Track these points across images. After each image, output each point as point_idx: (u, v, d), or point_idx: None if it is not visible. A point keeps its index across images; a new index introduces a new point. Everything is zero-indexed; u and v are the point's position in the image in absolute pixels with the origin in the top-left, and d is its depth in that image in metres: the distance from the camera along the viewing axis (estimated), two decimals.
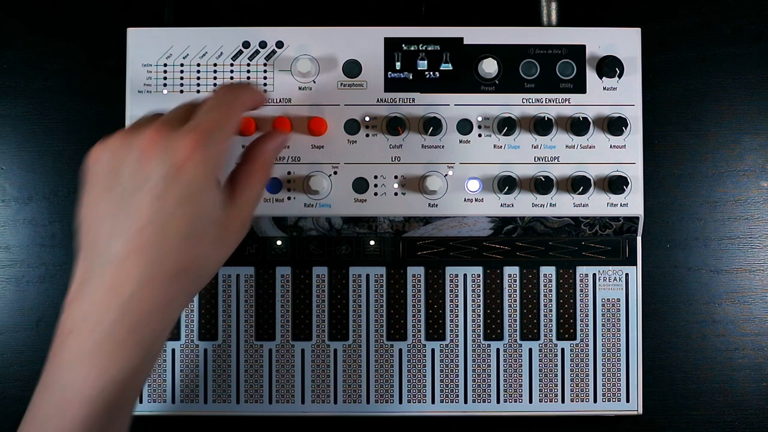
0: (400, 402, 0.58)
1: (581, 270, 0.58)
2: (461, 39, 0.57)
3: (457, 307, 0.58)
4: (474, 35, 0.57)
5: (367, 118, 0.57)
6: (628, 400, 0.58)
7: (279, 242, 0.58)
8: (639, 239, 0.58)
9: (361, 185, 0.57)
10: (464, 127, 0.57)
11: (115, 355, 0.44)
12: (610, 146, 0.57)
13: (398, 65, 0.57)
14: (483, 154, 0.57)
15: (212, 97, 0.48)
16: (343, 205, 0.57)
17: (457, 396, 0.58)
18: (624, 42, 0.57)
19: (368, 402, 0.58)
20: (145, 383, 0.46)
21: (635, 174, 0.57)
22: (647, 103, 0.59)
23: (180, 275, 0.45)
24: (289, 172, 0.57)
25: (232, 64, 0.57)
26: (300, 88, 0.57)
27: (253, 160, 0.51)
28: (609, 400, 0.58)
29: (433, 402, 0.58)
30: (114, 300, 0.44)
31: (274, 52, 0.57)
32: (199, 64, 0.57)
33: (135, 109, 0.57)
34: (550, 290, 0.58)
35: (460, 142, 0.57)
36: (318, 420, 0.58)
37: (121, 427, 0.46)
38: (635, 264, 0.58)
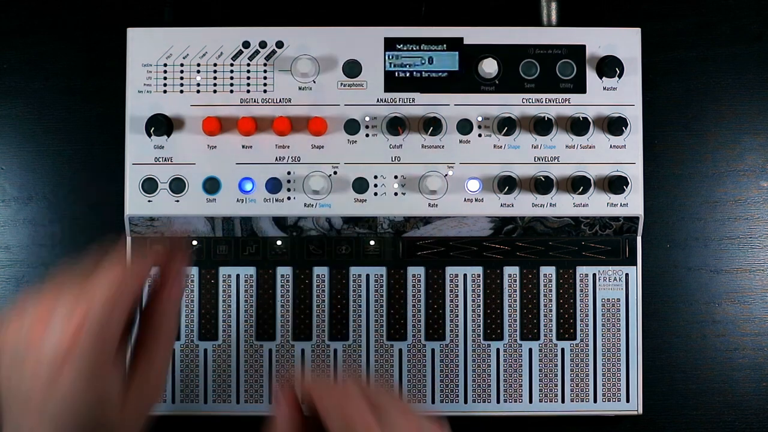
0: None
1: (581, 270, 0.58)
2: (461, 39, 0.57)
3: (457, 307, 0.58)
4: (474, 35, 0.57)
5: (367, 118, 0.57)
6: (628, 400, 0.58)
7: (279, 242, 0.58)
8: (639, 239, 0.58)
9: (361, 185, 0.57)
10: (464, 127, 0.57)
11: None
12: (610, 146, 0.57)
13: (398, 65, 0.57)
14: (483, 154, 0.57)
15: (102, 270, 0.43)
16: (343, 205, 0.57)
17: (457, 396, 0.58)
18: (624, 42, 0.57)
19: None
20: None
21: (635, 174, 0.57)
22: (647, 103, 0.59)
23: None
24: (289, 172, 0.57)
25: (232, 64, 0.57)
26: (300, 88, 0.57)
27: (154, 326, 0.45)
28: (609, 400, 0.58)
29: (433, 402, 0.58)
30: None
31: (274, 52, 0.57)
32: (199, 64, 0.57)
33: (135, 109, 0.57)
34: (550, 290, 0.58)
35: (460, 142, 0.57)
36: None
37: None
38: (635, 264, 0.58)
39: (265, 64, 0.57)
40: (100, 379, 0.42)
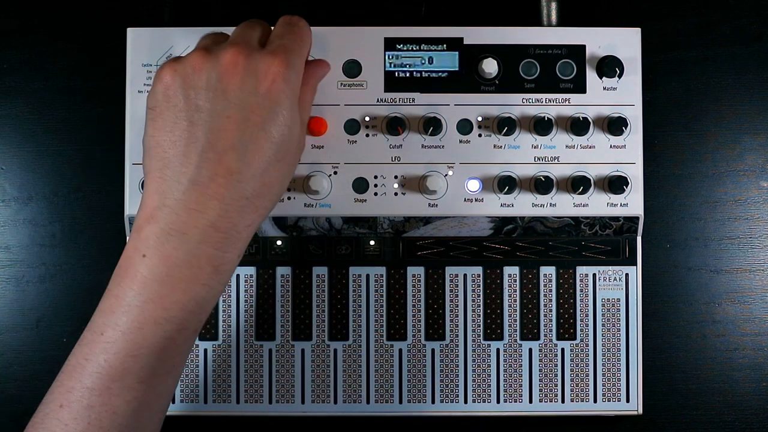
0: (400, 402, 0.58)
1: (581, 270, 0.58)
2: (461, 39, 0.57)
3: (457, 307, 0.58)
4: (474, 35, 0.57)
5: (367, 118, 0.57)
6: (628, 400, 0.58)
7: (279, 242, 0.58)
8: (639, 239, 0.58)
9: (361, 185, 0.57)
10: (464, 127, 0.57)
11: (196, 275, 0.44)
12: (610, 146, 0.57)
13: (398, 65, 0.57)
14: (483, 154, 0.57)
15: (284, 24, 0.50)
16: (343, 205, 0.57)
17: (457, 396, 0.58)
18: (624, 42, 0.57)
19: (368, 402, 0.58)
20: (215, 305, 0.48)
21: (635, 174, 0.57)
22: (647, 103, 0.59)
23: (260, 198, 0.46)
24: None
25: None
26: None
27: (304, 82, 0.51)
28: (609, 400, 0.58)
29: (433, 402, 0.58)
30: (200, 221, 0.44)
31: None
32: None
33: (135, 109, 0.57)
34: (550, 290, 0.58)
35: (460, 142, 0.57)
36: (318, 420, 0.58)
37: (188, 348, 0.47)
38: (635, 264, 0.58)
39: None
40: (291, 119, 0.47)
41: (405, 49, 0.57)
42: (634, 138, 0.57)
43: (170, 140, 0.45)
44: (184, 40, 0.57)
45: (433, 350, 0.58)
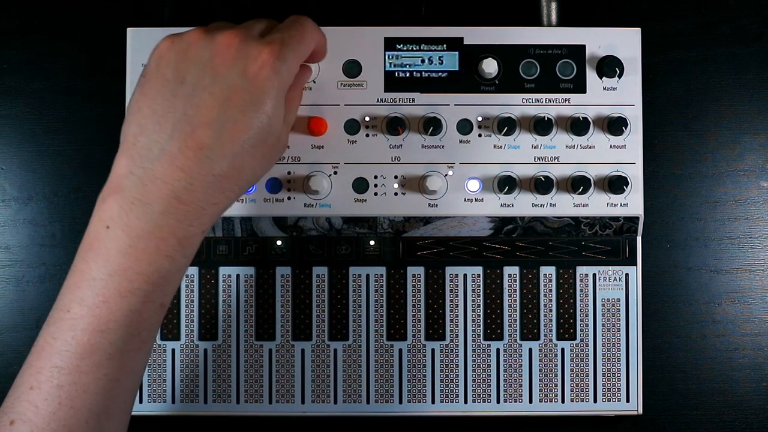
0: (400, 402, 0.58)
1: (581, 270, 0.58)
2: (461, 39, 0.57)
3: (457, 307, 0.58)
4: (474, 35, 0.57)
5: (367, 118, 0.57)
6: (628, 400, 0.58)
7: (279, 242, 0.58)
8: (639, 239, 0.58)
9: (361, 185, 0.57)
10: (464, 127, 0.57)
11: (159, 246, 0.44)
12: (610, 146, 0.57)
13: (398, 65, 0.57)
14: (483, 154, 0.57)
15: (288, 21, 0.51)
16: (343, 205, 0.57)
17: (457, 396, 0.58)
18: (624, 42, 0.57)
19: (368, 402, 0.58)
20: (180, 282, 0.48)
21: (635, 174, 0.57)
22: (647, 103, 0.59)
23: (227, 180, 0.46)
24: (289, 172, 0.57)
25: None
26: None
27: (291, 86, 0.51)
28: (609, 400, 0.58)
29: (433, 402, 0.58)
30: (164, 191, 0.44)
31: None
32: None
33: None
34: (550, 290, 0.58)
35: (460, 142, 0.57)
36: (318, 420, 0.58)
37: (156, 324, 0.47)
38: (635, 264, 0.58)
39: None
40: (273, 109, 0.47)
41: (405, 49, 0.57)
42: (634, 138, 0.57)
43: (151, 108, 0.46)
44: None
45: (433, 350, 0.58)
